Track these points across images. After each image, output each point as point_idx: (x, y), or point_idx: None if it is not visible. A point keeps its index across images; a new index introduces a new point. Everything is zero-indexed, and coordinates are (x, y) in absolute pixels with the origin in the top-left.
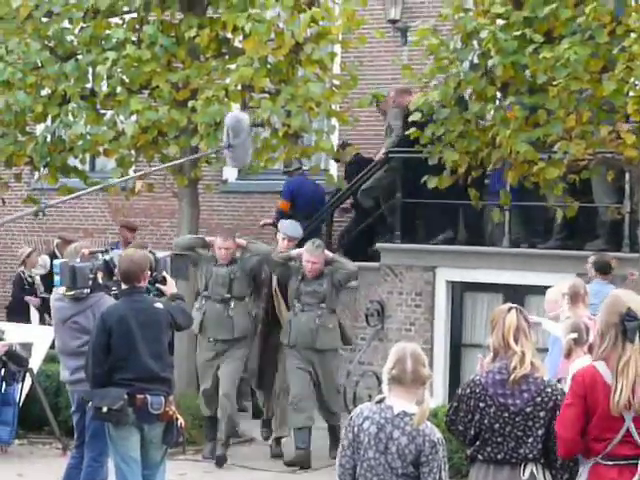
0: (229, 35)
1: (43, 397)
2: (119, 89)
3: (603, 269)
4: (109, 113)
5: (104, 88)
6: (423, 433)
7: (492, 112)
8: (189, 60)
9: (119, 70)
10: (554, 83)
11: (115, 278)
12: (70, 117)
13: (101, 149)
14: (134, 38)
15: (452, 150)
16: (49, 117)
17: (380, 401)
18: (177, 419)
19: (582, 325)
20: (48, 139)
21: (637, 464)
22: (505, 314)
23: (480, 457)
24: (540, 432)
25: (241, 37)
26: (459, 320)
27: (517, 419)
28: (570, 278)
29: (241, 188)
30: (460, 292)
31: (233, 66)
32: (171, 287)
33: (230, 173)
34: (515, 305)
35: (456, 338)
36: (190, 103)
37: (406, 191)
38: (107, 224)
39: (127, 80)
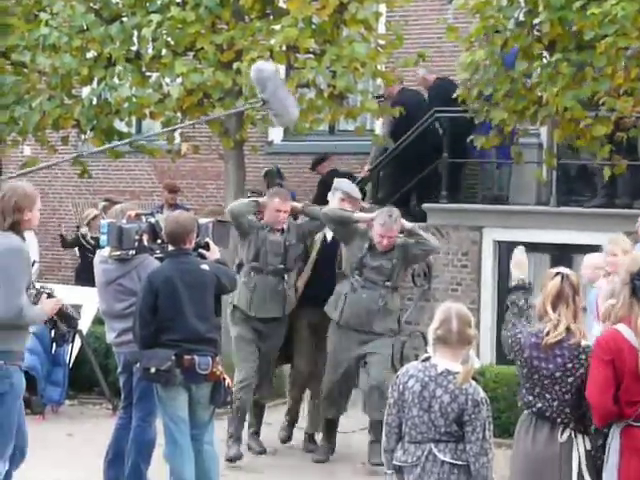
0: None
1: (93, 358)
2: (164, 51)
3: None
4: (154, 75)
5: (149, 50)
6: (466, 392)
7: (539, 70)
8: (233, 21)
9: (164, 32)
10: (601, 40)
11: (159, 241)
12: (116, 80)
13: (147, 112)
14: (178, 0)
15: (499, 109)
16: (95, 80)
17: (426, 360)
18: (224, 379)
19: None
20: (94, 102)
21: None
22: (550, 279)
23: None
24: (566, 397)
25: None
26: (506, 280)
27: (546, 382)
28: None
29: (287, 149)
30: (507, 252)
31: (277, 27)
32: (214, 253)
33: (276, 134)
34: (563, 270)
35: (503, 298)
36: (235, 65)
37: (452, 151)
38: (153, 186)
39: (172, 42)
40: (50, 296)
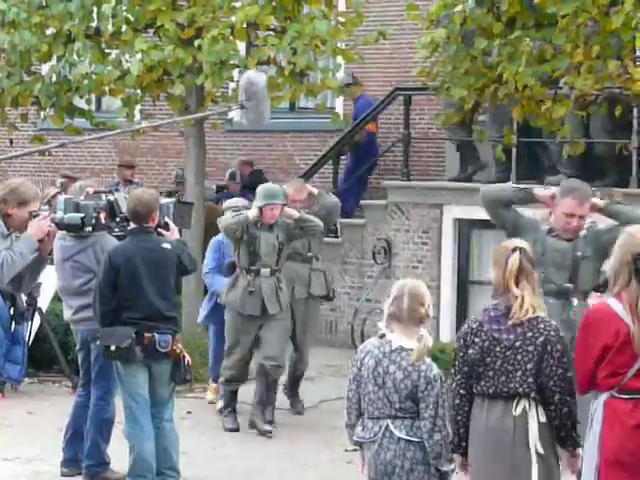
0: None
1: (52, 336)
2: (124, 28)
3: None
4: (114, 52)
5: (109, 27)
6: (419, 369)
7: (498, 48)
8: None
9: (124, 9)
10: (561, 17)
11: (118, 219)
12: (75, 57)
13: (106, 89)
14: None
15: (459, 87)
16: (54, 57)
17: (382, 336)
18: (184, 357)
19: None
20: (54, 79)
21: None
22: (509, 255)
23: (475, 391)
24: (529, 366)
25: None
26: (466, 257)
27: (507, 353)
28: None
29: (247, 127)
30: (467, 229)
31: (238, 4)
32: (174, 233)
33: (236, 112)
34: (520, 245)
35: (463, 275)
36: (195, 42)
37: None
38: (114, 164)
39: (132, 19)
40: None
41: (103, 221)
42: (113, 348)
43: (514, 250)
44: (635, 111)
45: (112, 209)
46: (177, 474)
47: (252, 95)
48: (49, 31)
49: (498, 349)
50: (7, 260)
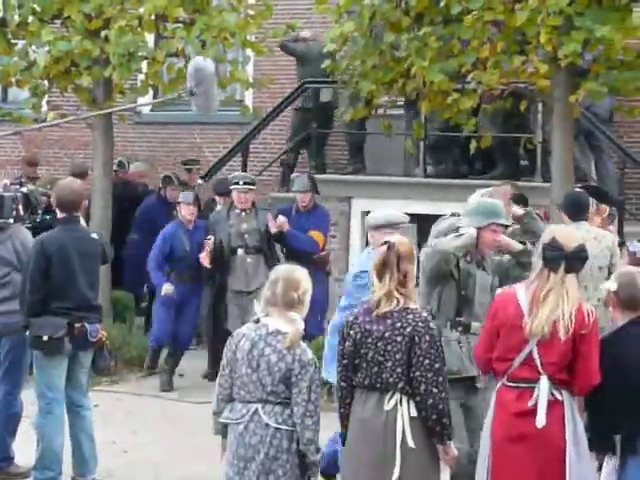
0: None
1: None
2: (30, 19)
3: (521, 200)
4: (21, 43)
5: (15, 17)
6: (294, 353)
7: (406, 43)
8: None
9: None
10: (468, 14)
11: (39, 211)
12: None
13: (13, 80)
14: None
15: (367, 81)
16: None
17: (257, 321)
18: (107, 345)
19: None
20: None
21: (534, 388)
22: (378, 248)
23: (354, 383)
24: (397, 356)
25: None
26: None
27: (379, 344)
28: None
29: (155, 119)
30: None
31: None
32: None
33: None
34: (392, 239)
35: None
36: (103, 33)
37: (320, 122)
38: (20, 155)
39: (39, 9)
40: None
41: (21, 213)
42: (46, 338)
43: (383, 244)
44: (539, 106)
45: (28, 201)
46: (94, 462)
47: (201, 81)
48: None
49: (370, 340)
50: None
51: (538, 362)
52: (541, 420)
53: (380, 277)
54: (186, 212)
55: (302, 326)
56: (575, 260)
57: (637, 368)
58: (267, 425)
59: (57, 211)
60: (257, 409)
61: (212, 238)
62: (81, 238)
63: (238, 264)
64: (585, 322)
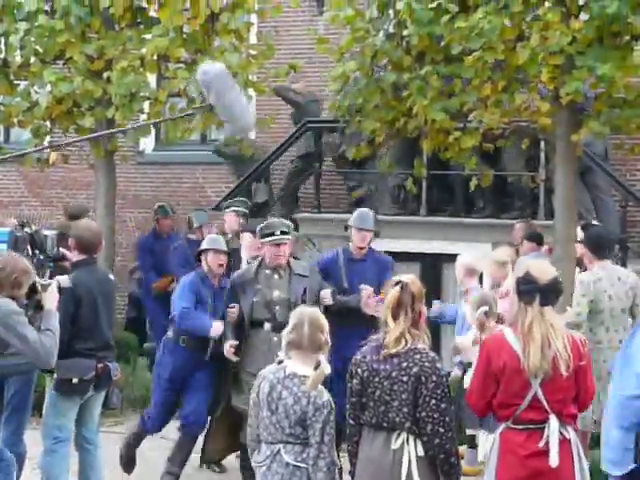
0: (144, 4)
1: None
2: (32, 59)
3: (538, 239)
4: (23, 83)
5: (17, 58)
6: (308, 395)
7: (408, 82)
8: (103, 30)
9: (32, 40)
10: (469, 53)
11: (48, 252)
12: None
13: (15, 120)
14: (47, 8)
15: (370, 119)
16: None
17: (280, 362)
18: (116, 382)
19: (490, 297)
20: None
21: (544, 429)
22: (391, 289)
23: (362, 422)
24: (404, 396)
25: (156, 6)
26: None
27: (385, 383)
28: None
29: (158, 159)
30: None
31: (148, 36)
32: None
33: (147, 144)
34: (404, 279)
35: None
36: (105, 74)
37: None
38: (22, 196)
39: (41, 50)
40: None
41: (30, 253)
42: (75, 381)
43: (396, 284)
44: (542, 144)
45: (33, 240)
46: None
47: (209, 85)
48: None
49: (377, 379)
50: (52, 344)
51: (545, 402)
52: (554, 460)
53: (395, 317)
54: (214, 262)
55: (328, 369)
56: (550, 293)
57: None
58: (287, 464)
59: (74, 253)
60: (280, 449)
61: (236, 307)
62: (103, 280)
63: (260, 341)
64: (582, 353)
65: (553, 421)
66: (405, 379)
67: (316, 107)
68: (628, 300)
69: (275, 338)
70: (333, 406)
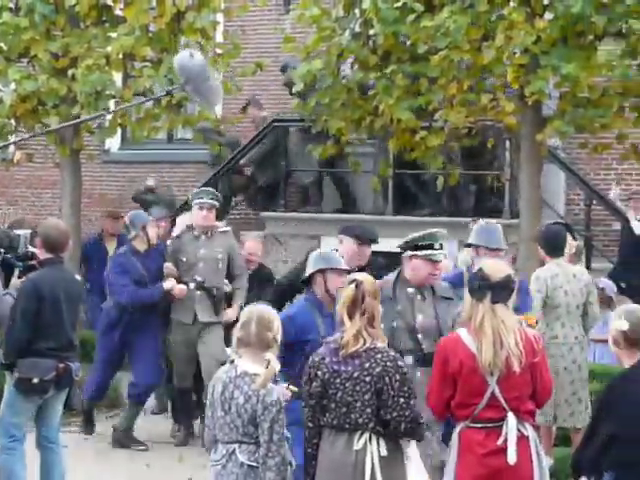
0: (110, 3)
1: None
2: None
3: None
4: None
5: None
6: (258, 394)
7: (374, 81)
8: (69, 28)
9: None
10: (435, 53)
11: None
12: None
13: None
14: (11, 5)
15: (336, 118)
16: None
17: (232, 362)
18: (77, 382)
19: None
20: None
21: (502, 426)
22: (345, 288)
23: (322, 423)
24: (366, 397)
25: (122, 5)
26: None
27: (347, 384)
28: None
29: (123, 158)
30: None
31: (114, 34)
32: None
33: (113, 143)
34: (359, 278)
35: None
36: (70, 72)
37: (289, 160)
38: None
39: (5, 48)
40: None
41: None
42: (36, 381)
43: (350, 283)
44: (507, 143)
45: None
46: None
47: (187, 80)
48: None
49: (338, 381)
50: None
51: (502, 400)
52: (512, 457)
53: (350, 316)
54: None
55: (278, 367)
56: (501, 290)
57: None
58: (242, 464)
59: (41, 251)
60: (235, 449)
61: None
62: (67, 279)
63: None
64: (536, 349)
65: (511, 419)
66: (368, 379)
67: (231, 150)
68: (582, 297)
69: (419, 373)
70: (282, 405)
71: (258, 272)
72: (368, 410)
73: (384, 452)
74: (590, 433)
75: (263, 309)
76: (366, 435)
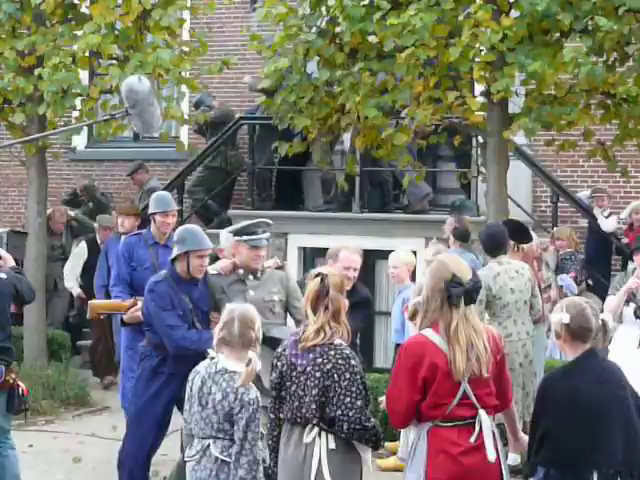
0: (75, 1)
1: None
2: None
3: (462, 237)
4: None
5: None
6: (236, 392)
7: (340, 79)
8: (34, 26)
9: None
10: (401, 50)
11: None
12: None
13: None
14: None
15: (302, 116)
16: None
17: (212, 358)
18: (18, 386)
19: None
20: None
21: (474, 424)
22: (310, 281)
23: (281, 415)
24: (314, 392)
25: (88, 3)
26: None
27: (301, 378)
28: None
29: (90, 156)
30: (312, 258)
31: (80, 32)
32: (8, 261)
33: (80, 141)
34: (324, 270)
35: None
36: (36, 70)
37: (257, 157)
38: None
39: None
40: None
41: None
42: None
43: (315, 276)
44: (474, 141)
45: None
46: None
47: (135, 103)
48: None
49: (294, 374)
50: None
51: (473, 398)
52: (492, 454)
53: (314, 310)
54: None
55: (259, 366)
56: (473, 292)
57: (591, 403)
58: (216, 459)
59: None
60: (209, 444)
61: None
62: None
63: None
64: (499, 347)
65: (483, 416)
66: (318, 375)
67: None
68: (527, 292)
69: None
70: (260, 404)
71: (352, 293)
72: (313, 406)
73: (332, 445)
74: (531, 428)
75: (245, 308)
76: (316, 430)
